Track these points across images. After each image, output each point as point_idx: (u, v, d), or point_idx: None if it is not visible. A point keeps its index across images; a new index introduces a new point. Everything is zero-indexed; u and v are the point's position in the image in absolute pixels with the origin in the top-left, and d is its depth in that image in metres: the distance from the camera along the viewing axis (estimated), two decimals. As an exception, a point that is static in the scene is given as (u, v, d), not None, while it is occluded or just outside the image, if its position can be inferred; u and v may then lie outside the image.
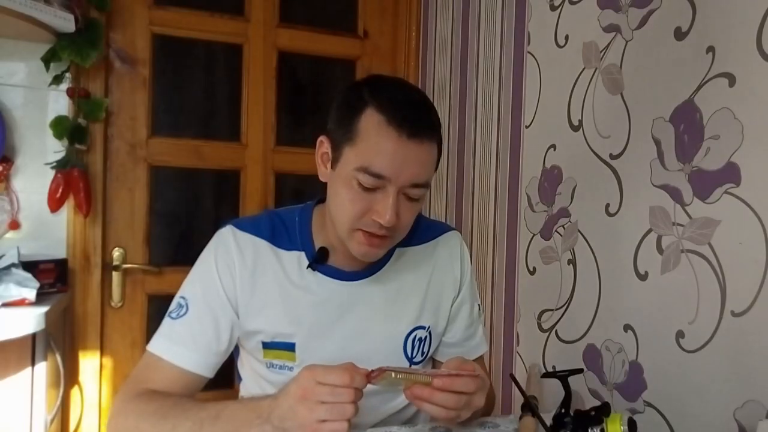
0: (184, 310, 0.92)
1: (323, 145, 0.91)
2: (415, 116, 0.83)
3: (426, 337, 1.02)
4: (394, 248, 1.00)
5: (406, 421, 1.06)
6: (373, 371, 0.77)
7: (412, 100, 0.87)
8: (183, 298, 0.94)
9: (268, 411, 0.76)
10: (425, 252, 1.05)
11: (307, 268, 0.95)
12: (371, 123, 0.82)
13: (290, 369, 0.94)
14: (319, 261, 0.96)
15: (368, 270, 0.98)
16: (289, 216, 1.00)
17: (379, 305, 0.99)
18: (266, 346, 0.95)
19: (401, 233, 0.91)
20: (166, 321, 0.94)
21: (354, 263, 0.97)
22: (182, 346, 0.91)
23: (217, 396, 1.04)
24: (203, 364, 0.92)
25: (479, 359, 1.10)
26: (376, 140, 0.82)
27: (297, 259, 0.96)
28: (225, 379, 1.89)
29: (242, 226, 0.97)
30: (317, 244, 0.97)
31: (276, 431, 0.75)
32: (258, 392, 1.00)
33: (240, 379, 1.08)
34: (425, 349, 1.03)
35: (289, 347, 0.94)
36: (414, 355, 1.01)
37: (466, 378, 0.80)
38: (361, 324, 0.97)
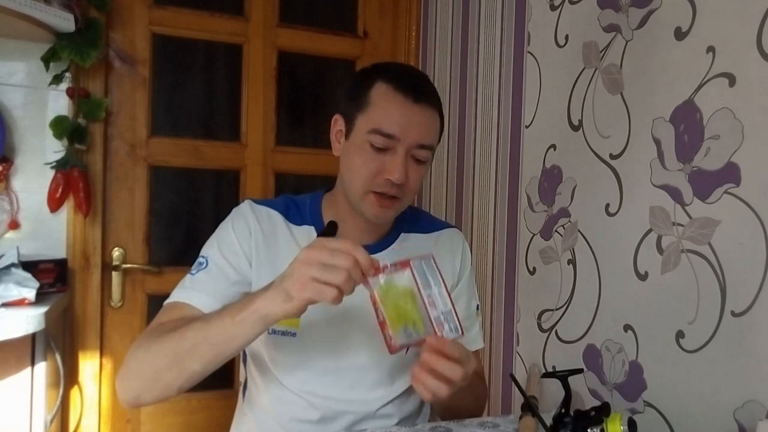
0: (204, 264, 0.97)
1: (338, 122, 1.00)
2: (418, 85, 0.95)
3: None
4: (399, 231, 1.07)
5: (406, 418, 1.07)
6: (394, 264, 0.76)
7: (415, 73, 1.01)
8: (203, 256, 0.99)
9: (273, 280, 0.78)
10: (428, 241, 1.10)
11: (318, 237, 0.99)
12: (381, 91, 0.93)
13: (293, 335, 0.98)
14: (328, 233, 1.00)
15: (375, 247, 1.03)
16: (301, 198, 1.09)
17: None
18: None
19: (409, 195, 0.98)
20: (187, 277, 0.97)
21: (362, 237, 1.03)
22: (200, 291, 0.94)
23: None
24: (214, 307, 0.92)
25: (475, 353, 1.11)
26: (385, 104, 0.92)
27: (307, 233, 1.03)
28: (225, 380, 1.90)
29: (259, 201, 1.05)
30: (326, 221, 1.03)
31: (277, 291, 0.77)
32: (264, 375, 1.03)
33: (245, 358, 1.10)
34: None
35: None
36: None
37: (455, 343, 0.78)
38: (363, 296, 0.98)
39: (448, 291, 0.78)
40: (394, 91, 0.92)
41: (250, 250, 0.98)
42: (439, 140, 0.99)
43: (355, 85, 0.97)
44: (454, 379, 0.76)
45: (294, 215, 1.04)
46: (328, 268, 0.73)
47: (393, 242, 1.06)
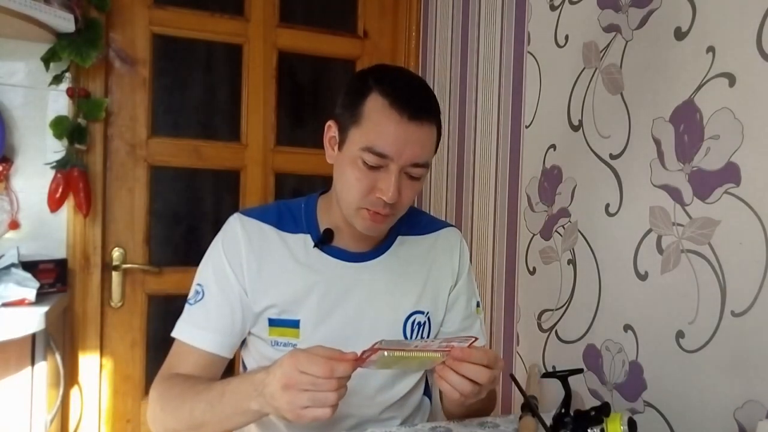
0: (200, 295, 0.98)
1: (331, 129, 0.96)
2: (415, 100, 0.89)
3: (425, 322, 1.05)
4: (396, 235, 1.06)
5: (407, 418, 1.07)
6: (365, 352, 0.77)
7: (413, 86, 0.93)
8: (199, 284, 0.99)
9: (262, 386, 0.79)
10: (426, 242, 1.09)
11: (314, 247, 1.00)
12: (375, 106, 0.88)
13: (294, 346, 0.97)
14: (324, 241, 1.00)
15: (371, 253, 1.03)
16: (295, 204, 1.05)
17: (381, 287, 1.02)
18: (272, 323, 0.98)
19: (402, 210, 0.96)
20: (186, 307, 0.99)
21: (358, 244, 1.02)
22: (201, 328, 0.96)
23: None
24: (221, 344, 0.96)
25: None
26: (379, 122, 0.87)
27: (303, 240, 1.01)
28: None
29: (249, 213, 1.02)
30: (322, 227, 1.01)
31: (269, 406, 0.78)
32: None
33: (245, 369, 1.10)
34: (424, 335, 1.05)
35: (294, 324, 0.98)
36: (413, 338, 1.04)
37: (480, 351, 0.80)
38: (362, 304, 1.00)
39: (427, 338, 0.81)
40: (390, 107, 0.87)
41: (242, 272, 0.97)
42: (436, 150, 0.96)
43: (350, 93, 0.93)
44: (481, 381, 0.78)
45: (288, 223, 1.02)
46: (317, 395, 0.74)
47: (390, 246, 1.05)
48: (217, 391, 0.85)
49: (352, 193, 0.91)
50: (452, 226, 1.16)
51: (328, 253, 1.00)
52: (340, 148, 0.94)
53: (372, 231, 0.95)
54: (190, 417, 0.86)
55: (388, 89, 0.88)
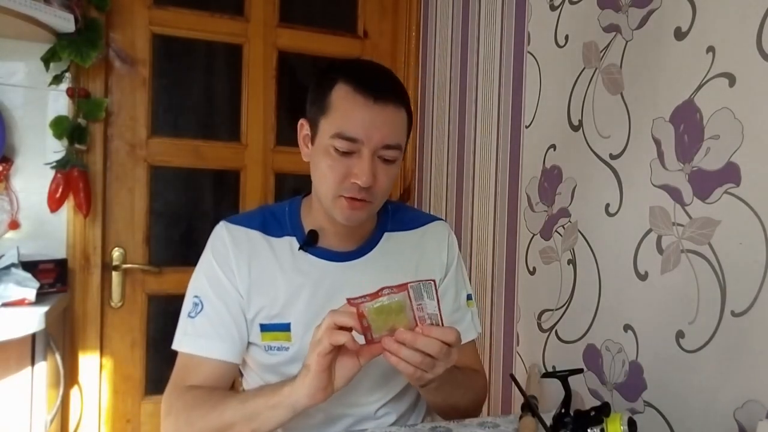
0: (199, 307, 0.97)
1: (303, 127, 0.98)
2: (379, 83, 0.92)
3: None
4: (383, 231, 1.06)
5: (402, 416, 1.07)
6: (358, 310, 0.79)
7: (376, 71, 0.96)
8: (196, 296, 0.98)
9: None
10: (413, 237, 1.09)
11: (299, 249, 1.00)
12: (341, 93, 0.90)
13: (286, 349, 0.98)
14: (310, 243, 1.01)
15: (358, 251, 1.03)
16: (279, 208, 1.06)
17: (369, 285, 1.01)
18: (264, 328, 0.99)
19: (380, 196, 0.95)
20: (187, 321, 0.98)
21: (344, 243, 1.02)
22: (208, 338, 0.96)
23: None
24: (230, 351, 0.96)
25: (470, 344, 1.11)
26: (346, 107, 0.90)
27: (288, 243, 1.01)
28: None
29: (234, 221, 1.03)
30: (307, 229, 1.02)
31: (299, 382, 0.83)
32: (259, 382, 1.03)
33: (241, 375, 1.10)
34: None
35: (285, 328, 0.98)
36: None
37: (438, 329, 0.80)
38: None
39: (440, 307, 0.80)
40: (354, 92, 0.89)
41: (234, 278, 0.98)
42: (409, 135, 0.97)
43: (317, 88, 0.95)
44: (431, 352, 0.78)
45: (273, 227, 1.02)
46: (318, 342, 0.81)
47: (377, 244, 1.04)
48: (254, 392, 0.89)
49: (327, 182, 0.92)
50: (441, 219, 1.15)
51: (314, 255, 1.00)
52: (312, 142, 0.95)
53: (352, 220, 0.95)
54: (219, 420, 0.86)
55: (352, 76, 0.91)
